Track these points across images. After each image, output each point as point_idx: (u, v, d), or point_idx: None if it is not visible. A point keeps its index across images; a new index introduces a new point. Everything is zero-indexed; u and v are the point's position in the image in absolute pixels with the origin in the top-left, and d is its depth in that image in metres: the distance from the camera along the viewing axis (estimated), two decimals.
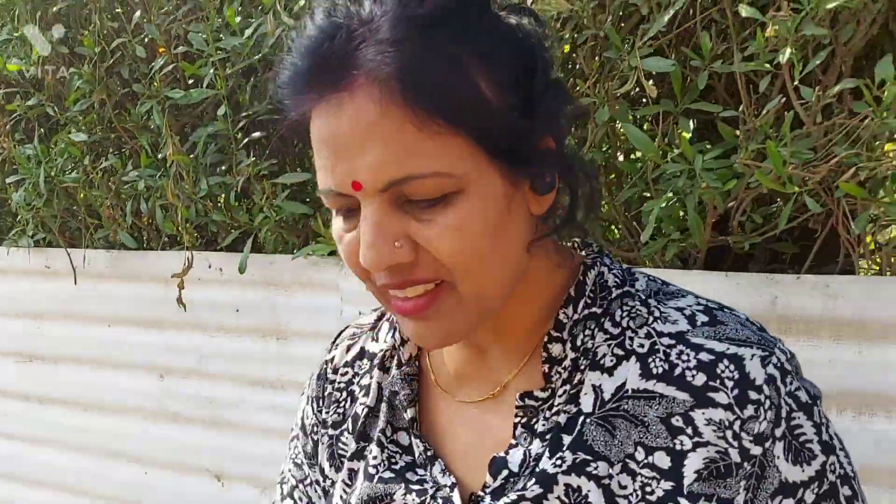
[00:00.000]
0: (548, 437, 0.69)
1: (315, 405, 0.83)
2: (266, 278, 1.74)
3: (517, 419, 0.71)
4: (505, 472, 0.69)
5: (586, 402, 0.68)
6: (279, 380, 1.76)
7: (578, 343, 0.70)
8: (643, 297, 0.71)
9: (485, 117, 0.62)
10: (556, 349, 0.70)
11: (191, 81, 1.86)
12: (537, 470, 0.67)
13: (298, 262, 1.68)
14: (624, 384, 0.68)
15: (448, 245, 0.62)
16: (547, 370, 0.70)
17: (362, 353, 0.82)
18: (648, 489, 0.65)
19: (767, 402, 0.63)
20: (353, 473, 0.78)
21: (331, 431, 0.81)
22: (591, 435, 0.67)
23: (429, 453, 0.74)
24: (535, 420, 0.70)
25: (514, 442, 0.70)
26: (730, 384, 0.64)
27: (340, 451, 0.80)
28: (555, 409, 0.69)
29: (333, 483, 0.81)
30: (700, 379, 0.65)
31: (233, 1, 1.69)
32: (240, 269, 1.69)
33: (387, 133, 0.60)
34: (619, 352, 0.69)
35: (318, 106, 0.62)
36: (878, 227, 1.18)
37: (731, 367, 0.65)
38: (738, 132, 1.26)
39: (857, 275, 1.22)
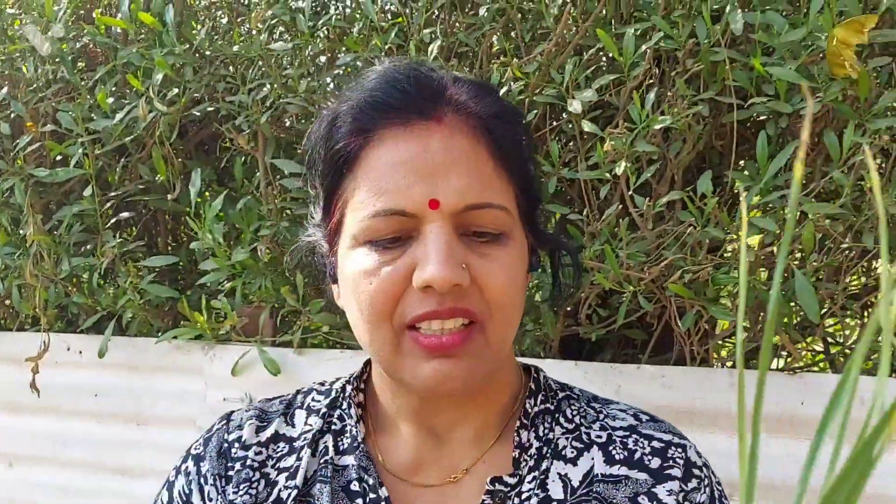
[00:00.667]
0: None
1: (219, 484, 0.77)
2: (128, 362, 1.71)
3: None
4: None
5: (555, 490, 0.74)
6: (139, 467, 1.70)
7: (541, 433, 0.76)
8: (586, 400, 0.81)
9: (527, 181, 0.74)
10: (524, 437, 0.76)
11: (58, 159, 1.83)
12: None
13: (162, 345, 1.66)
14: (591, 470, 0.75)
15: (499, 282, 0.67)
16: (517, 456, 0.75)
17: (277, 437, 0.79)
18: None
19: (706, 480, 0.76)
20: None
21: None
22: None
23: None
24: None
25: None
26: (680, 462, 0.75)
27: None
28: (525, 495, 0.73)
29: None
30: (656, 462, 0.75)
31: (105, 83, 1.69)
32: (99, 352, 1.65)
33: (474, 163, 0.68)
34: (578, 444, 0.77)
35: (397, 131, 0.68)
36: (704, 323, 1.30)
37: (679, 451, 0.76)
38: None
39: (687, 366, 1.33)
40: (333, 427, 0.79)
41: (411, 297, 0.66)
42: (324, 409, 0.80)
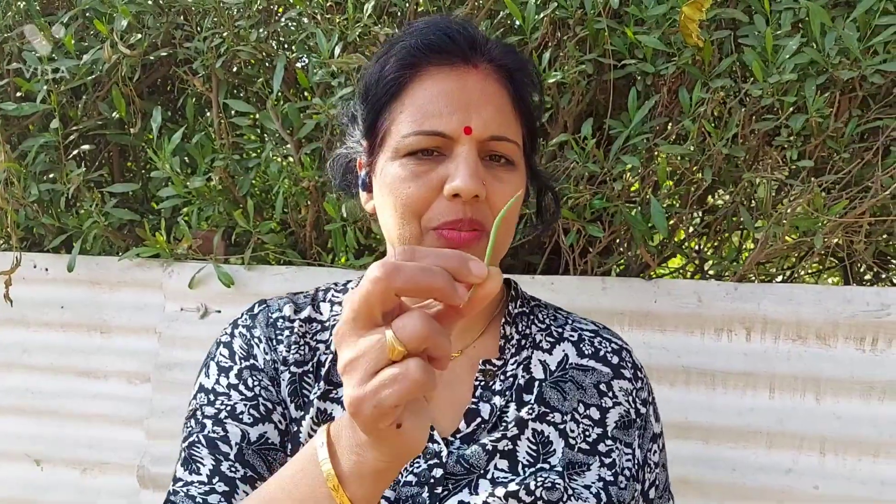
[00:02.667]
0: (507, 393, 0.90)
1: (270, 345, 0.90)
2: (91, 278, 1.91)
3: (477, 381, 0.91)
4: (478, 420, 0.88)
5: (537, 371, 0.93)
6: (101, 370, 1.92)
7: (520, 329, 0.96)
8: (553, 309, 1.03)
9: (533, 126, 0.94)
10: (508, 330, 0.95)
11: (20, 94, 1.99)
12: (513, 416, 0.88)
13: (124, 263, 1.87)
14: (566, 358, 0.94)
15: (506, 200, 0.82)
16: (502, 345, 0.94)
17: (310, 319, 0.94)
18: (587, 433, 0.90)
19: (644, 379, 0.99)
20: (322, 413, 0.87)
21: (293, 369, 0.89)
22: (548, 394, 0.91)
23: None
24: (492, 382, 0.91)
25: (475, 399, 0.89)
26: (629, 364, 0.98)
27: (305, 391, 0.89)
28: (510, 374, 0.91)
29: (293, 420, 0.88)
30: (615, 359, 0.98)
31: (68, 25, 1.87)
32: (69, 267, 1.85)
33: (500, 104, 0.87)
34: (551, 339, 0.96)
35: (443, 69, 0.84)
36: (584, 239, 1.62)
37: (627, 355, 0.99)
38: None
39: (571, 275, 1.65)
40: None
41: (440, 204, 0.81)
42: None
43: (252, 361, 0.90)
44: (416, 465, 0.84)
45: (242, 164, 1.81)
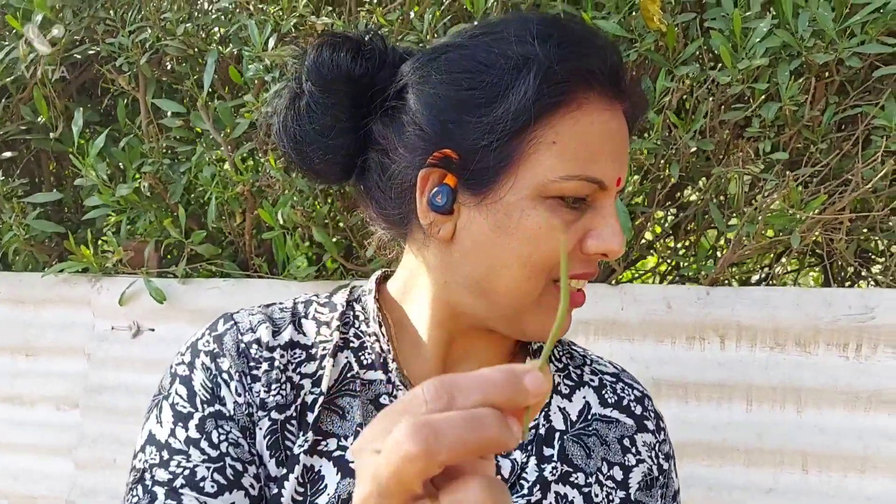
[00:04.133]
0: (529, 447, 0.77)
1: (245, 381, 0.74)
2: (13, 296, 1.76)
3: None
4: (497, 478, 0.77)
5: (557, 421, 0.79)
6: (28, 395, 1.77)
7: None
8: (567, 343, 0.87)
9: None
10: None
11: None
12: (533, 475, 0.76)
13: (49, 279, 1.73)
14: (588, 407, 0.81)
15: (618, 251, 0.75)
16: None
17: (293, 343, 0.78)
18: (610, 497, 0.78)
19: (665, 430, 0.86)
20: (309, 471, 0.73)
21: (273, 415, 0.74)
22: (571, 450, 0.78)
23: None
24: None
25: None
26: (652, 416, 0.85)
27: (288, 443, 0.74)
28: (531, 424, 0.77)
29: (273, 479, 0.73)
30: (638, 409, 0.83)
31: None
32: None
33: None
34: (569, 382, 0.82)
35: (600, 103, 0.70)
36: None
37: (649, 403, 0.86)
38: None
39: None
40: (352, 344, 0.78)
41: (574, 257, 0.72)
42: (336, 324, 0.79)
43: (218, 407, 0.73)
44: None
45: (174, 168, 1.66)
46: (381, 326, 0.78)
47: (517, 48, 0.69)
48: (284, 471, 0.72)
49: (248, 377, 0.74)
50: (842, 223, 1.36)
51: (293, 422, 0.73)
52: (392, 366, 0.77)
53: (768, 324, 1.42)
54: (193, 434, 0.72)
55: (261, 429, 0.72)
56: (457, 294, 0.74)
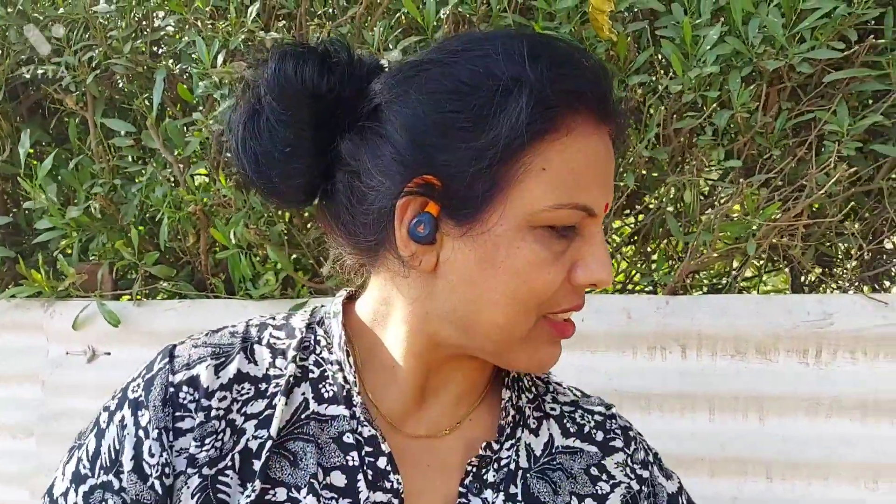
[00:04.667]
0: (500, 487, 0.74)
1: (165, 438, 0.67)
2: None
3: (470, 467, 0.73)
4: None
5: (522, 458, 0.76)
6: None
7: (514, 401, 0.78)
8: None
9: None
10: (508, 406, 0.77)
11: None
12: None
13: (1, 304, 1.69)
14: (551, 441, 0.78)
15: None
16: (502, 425, 0.76)
17: (241, 376, 0.71)
18: None
19: (637, 438, 0.82)
20: None
21: (205, 471, 0.67)
22: (535, 487, 0.75)
23: (401, 496, 0.70)
24: (485, 470, 0.74)
25: (463, 489, 0.73)
26: (619, 433, 0.81)
27: (222, 496, 0.67)
28: (504, 462, 0.75)
29: None
30: (600, 436, 0.80)
31: None
32: None
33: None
34: (538, 413, 0.79)
35: (587, 126, 0.66)
36: None
37: (613, 422, 0.82)
38: None
39: None
40: (311, 375, 0.73)
41: (563, 288, 0.68)
42: (293, 353, 0.73)
43: (111, 478, 0.67)
44: None
45: (126, 189, 1.63)
46: (347, 355, 0.73)
47: (505, 68, 0.65)
48: None
49: (171, 433, 0.67)
50: (797, 229, 1.35)
51: (229, 472, 0.68)
52: (357, 399, 0.71)
53: (729, 332, 1.41)
54: (80, 502, 0.68)
55: (188, 487, 0.67)
56: (439, 325, 0.70)
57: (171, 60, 1.64)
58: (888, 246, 1.57)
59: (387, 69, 0.72)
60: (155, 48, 1.67)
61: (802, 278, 1.67)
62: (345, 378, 0.72)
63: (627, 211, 1.60)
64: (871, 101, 1.36)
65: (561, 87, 0.65)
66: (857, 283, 1.57)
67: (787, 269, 1.76)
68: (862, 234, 1.43)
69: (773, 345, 1.39)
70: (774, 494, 1.40)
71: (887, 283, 1.69)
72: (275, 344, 0.74)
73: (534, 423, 0.78)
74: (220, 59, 1.47)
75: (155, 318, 1.61)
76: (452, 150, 0.65)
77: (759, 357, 1.40)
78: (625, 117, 0.73)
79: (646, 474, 0.80)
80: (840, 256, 1.62)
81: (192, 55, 1.56)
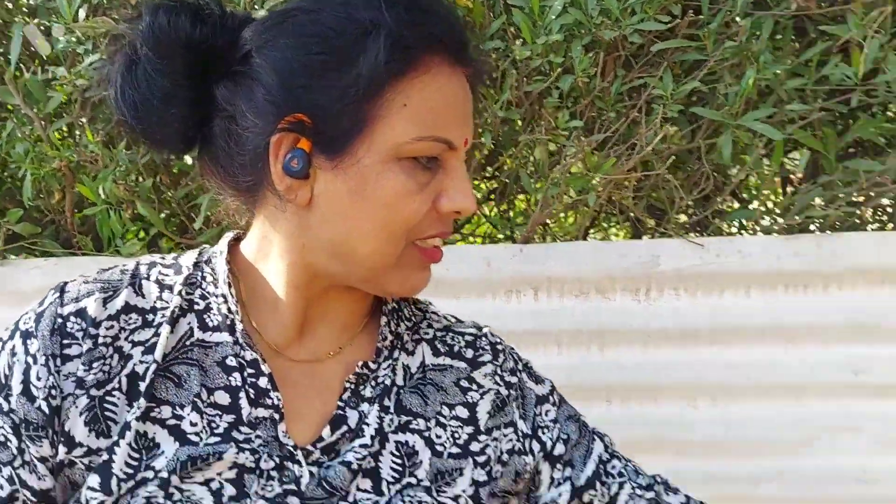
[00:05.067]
0: (376, 401, 0.81)
1: (52, 364, 0.73)
2: None
3: (349, 384, 0.81)
4: (343, 429, 0.79)
5: (399, 377, 0.84)
6: None
7: (393, 328, 0.86)
8: (413, 301, 0.92)
9: None
10: (386, 331, 0.85)
11: None
12: (374, 429, 0.80)
13: None
14: (423, 361, 0.86)
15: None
16: (381, 347, 0.84)
17: (128, 308, 0.77)
18: (456, 436, 0.83)
19: (507, 350, 0.92)
20: (143, 437, 0.73)
21: (93, 392, 0.73)
22: (408, 401, 0.83)
23: (281, 411, 0.77)
24: (362, 387, 0.81)
25: (341, 403, 0.80)
26: (487, 348, 0.90)
27: (109, 414, 0.73)
28: (381, 379, 0.83)
29: (93, 451, 0.73)
30: (469, 353, 0.89)
31: None
32: None
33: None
34: (416, 337, 0.88)
35: (444, 67, 0.74)
36: None
37: (482, 340, 0.91)
38: None
39: None
40: (197, 307, 0.79)
41: (430, 217, 0.75)
42: (180, 287, 0.79)
43: (0, 400, 0.73)
44: (269, 488, 0.74)
45: None
46: (229, 287, 0.79)
47: (365, 13, 0.71)
48: (114, 439, 0.72)
49: (59, 359, 0.73)
50: (630, 183, 1.53)
51: (116, 393, 0.73)
52: (239, 327, 0.78)
53: (574, 275, 1.57)
54: None
55: (77, 406, 0.72)
56: (315, 257, 0.77)
57: (28, 16, 1.60)
58: (708, 197, 1.79)
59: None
60: (8, 3, 1.63)
61: (641, 229, 1.87)
62: (229, 309, 0.78)
63: (488, 170, 1.73)
64: (691, 70, 1.56)
65: (417, 29, 0.72)
66: (684, 232, 1.79)
67: (627, 224, 1.97)
68: (685, 187, 1.63)
69: (610, 285, 1.58)
70: (613, 416, 1.60)
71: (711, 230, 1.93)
72: (163, 280, 0.80)
73: (411, 346, 0.87)
74: (81, 13, 1.46)
75: (19, 277, 1.59)
76: (319, 89, 0.71)
77: (599, 296, 1.58)
78: (482, 63, 0.81)
79: (514, 380, 0.90)
80: (669, 208, 1.83)
81: (51, 9, 1.53)
